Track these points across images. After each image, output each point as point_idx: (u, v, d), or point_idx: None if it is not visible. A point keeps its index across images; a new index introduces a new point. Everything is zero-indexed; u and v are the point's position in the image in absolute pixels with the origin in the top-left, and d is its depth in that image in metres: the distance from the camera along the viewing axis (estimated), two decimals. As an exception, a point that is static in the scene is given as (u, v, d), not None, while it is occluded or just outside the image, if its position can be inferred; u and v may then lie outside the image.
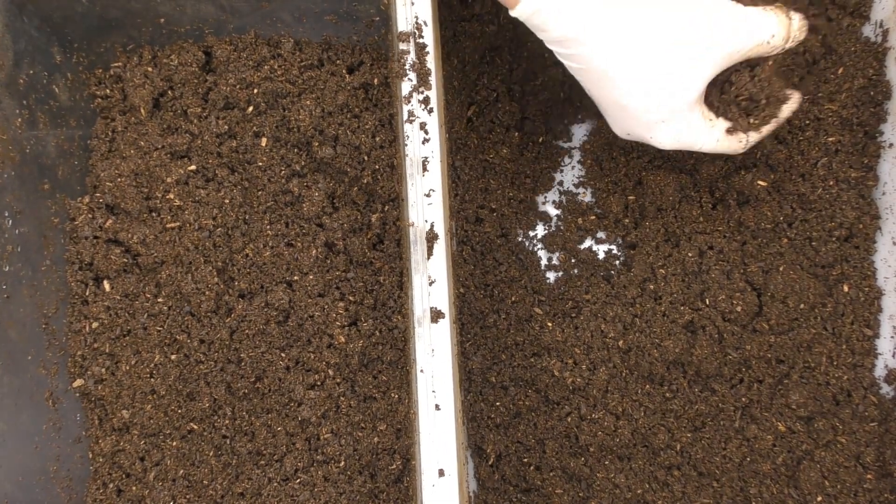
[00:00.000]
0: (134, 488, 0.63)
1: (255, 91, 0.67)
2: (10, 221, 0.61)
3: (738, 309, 0.64)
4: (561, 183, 0.73)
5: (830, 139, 0.66)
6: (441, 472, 0.53)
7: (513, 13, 0.54)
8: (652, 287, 0.67)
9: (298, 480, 0.62)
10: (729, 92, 0.58)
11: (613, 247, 0.71)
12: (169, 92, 0.68)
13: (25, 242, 0.62)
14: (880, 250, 0.66)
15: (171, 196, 0.65)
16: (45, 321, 0.63)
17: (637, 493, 0.64)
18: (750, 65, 0.58)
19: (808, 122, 0.67)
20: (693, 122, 0.56)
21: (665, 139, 0.57)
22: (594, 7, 0.52)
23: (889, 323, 0.66)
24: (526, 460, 0.66)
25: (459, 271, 0.68)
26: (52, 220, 0.64)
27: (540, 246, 0.71)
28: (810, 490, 0.63)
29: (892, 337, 0.66)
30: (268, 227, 0.65)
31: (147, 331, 0.64)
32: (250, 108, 0.67)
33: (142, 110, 0.67)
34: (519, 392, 0.66)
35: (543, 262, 0.71)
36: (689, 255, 0.67)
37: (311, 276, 0.64)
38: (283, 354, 0.63)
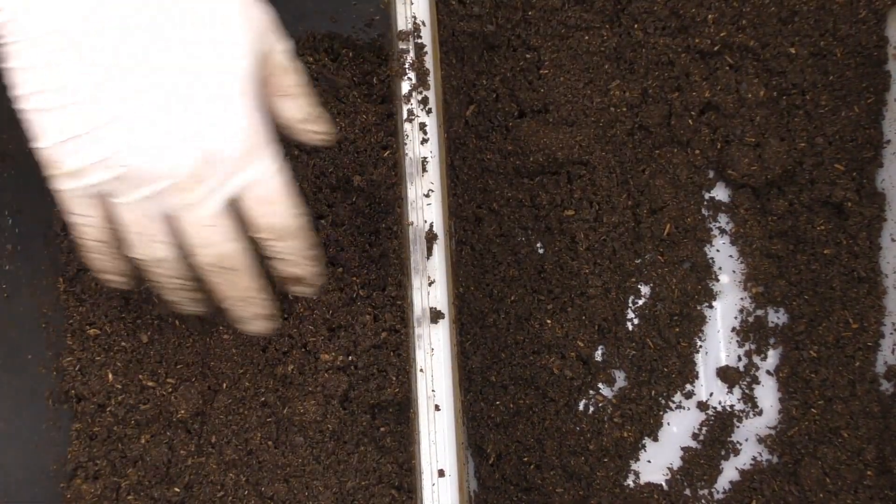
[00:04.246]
0: None
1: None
2: (11, 220, 0.61)
3: None
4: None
5: None
6: (441, 473, 0.53)
7: None
8: None
9: None
10: None
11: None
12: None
13: (25, 242, 0.62)
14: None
15: None
16: (44, 321, 0.63)
17: None
18: None
19: None
20: None
21: None
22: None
23: (889, 320, 0.66)
24: (526, 459, 0.66)
25: (458, 271, 0.68)
26: (52, 219, 0.65)
27: (539, 245, 0.71)
28: (810, 487, 0.63)
29: (892, 333, 0.66)
30: None
31: None
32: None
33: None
34: (519, 391, 0.67)
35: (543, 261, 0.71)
36: None
37: None
38: None
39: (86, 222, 0.45)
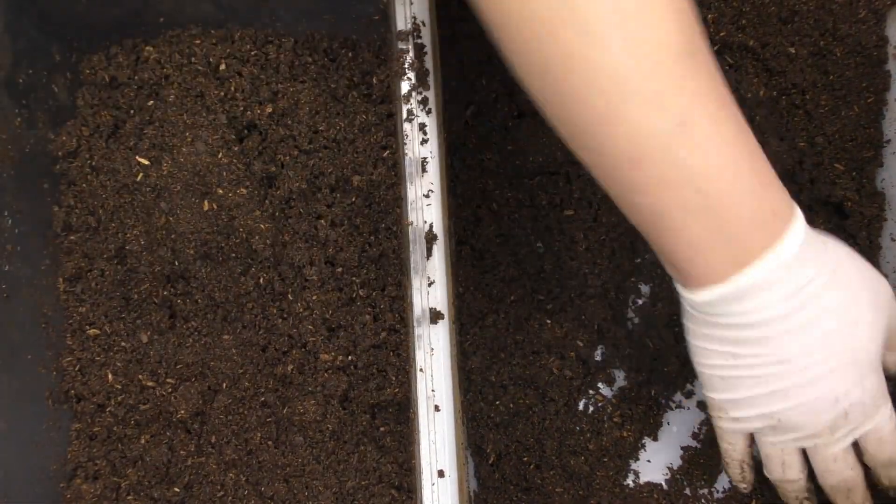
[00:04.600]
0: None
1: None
2: (10, 221, 0.61)
3: None
4: (561, 182, 0.73)
5: None
6: (441, 473, 0.53)
7: (696, 297, 0.49)
8: None
9: None
10: None
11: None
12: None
13: (25, 242, 0.62)
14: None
15: None
16: (44, 321, 0.63)
17: None
18: None
19: None
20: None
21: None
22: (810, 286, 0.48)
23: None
24: (526, 459, 0.66)
25: (458, 271, 0.68)
26: (52, 219, 0.65)
27: (539, 245, 0.71)
28: None
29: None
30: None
31: None
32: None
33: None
34: (518, 391, 0.67)
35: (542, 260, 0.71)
36: None
37: None
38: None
39: (733, 447, 0.55)
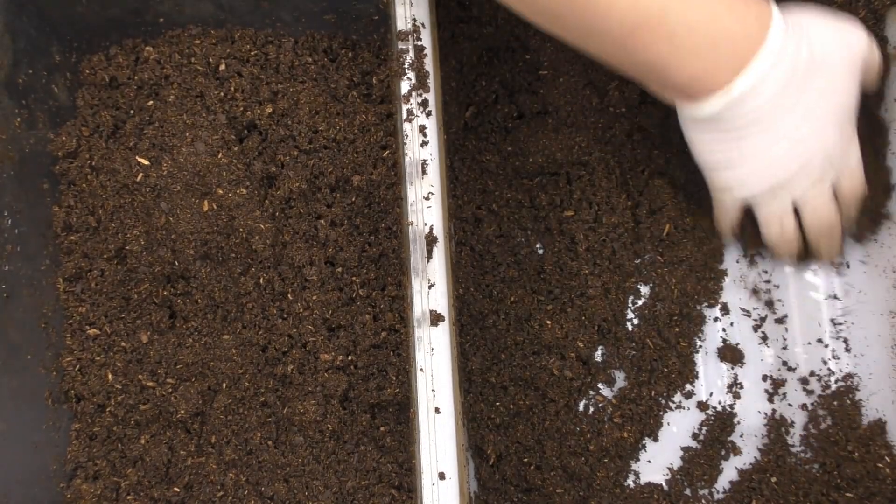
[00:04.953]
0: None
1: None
2: (10, 221, 0.61)
3: None
4: (561, 182, 0.73)
5: None
6: (441, 475, 0.53)
7: (698, 113, 0.58)
8: None
9: None
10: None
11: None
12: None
13: (25, 242, 0.62)
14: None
15: None
16: (44, 321, 0.63)
17: None
18: None
19: None
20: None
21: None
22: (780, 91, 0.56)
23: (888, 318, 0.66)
24: (526, 460, 0.66)
25: (458, 273, 0.68)
26: (52, 219, 0.65)
27: (539, 246, 0.71)
28: None
29: (891, 332, 0.66)
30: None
31: None
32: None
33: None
34: (519, 392, 0.67)
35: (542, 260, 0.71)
36: None
37: None
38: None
39: (732, 218, 0.66)
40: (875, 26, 0.66)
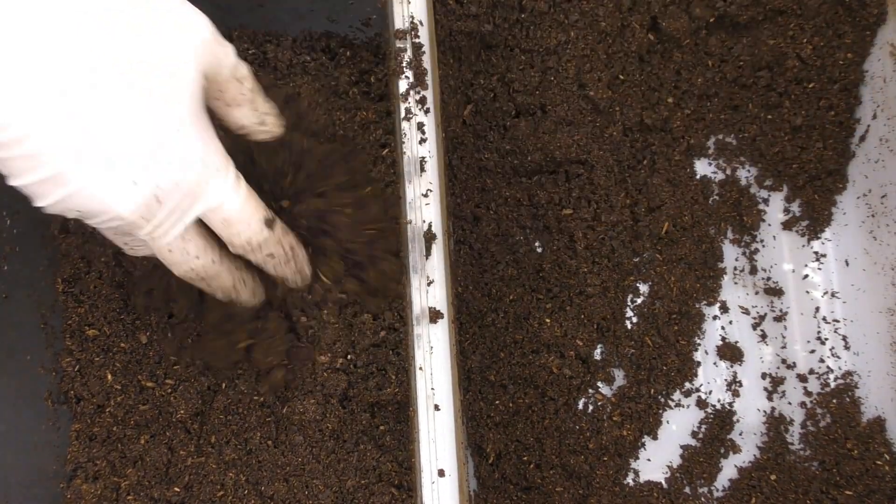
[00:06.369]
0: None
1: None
2: (9, 221, 0.61)
3: None
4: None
5: None
6: (441, 473, 0.53)
7: None
8: None
9: None
10: None
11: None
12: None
13: (24, 243, 0.62)
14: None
15: None
16: (43, 322, 0.63)
17: None
18: None
19: None
20: None
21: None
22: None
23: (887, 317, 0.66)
24: (526, 458, 0.66)
25: (457, 270, 0.68)
26: (50, 221, 0.65)
27: (538, 244, 0.71)
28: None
29: (889, 331, 0.67)
30: None
31: None
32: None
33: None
34: (518, 390, 0.67)
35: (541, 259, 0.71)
36: None
37: None
38: None
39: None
40: (869, 38, 0.67)
